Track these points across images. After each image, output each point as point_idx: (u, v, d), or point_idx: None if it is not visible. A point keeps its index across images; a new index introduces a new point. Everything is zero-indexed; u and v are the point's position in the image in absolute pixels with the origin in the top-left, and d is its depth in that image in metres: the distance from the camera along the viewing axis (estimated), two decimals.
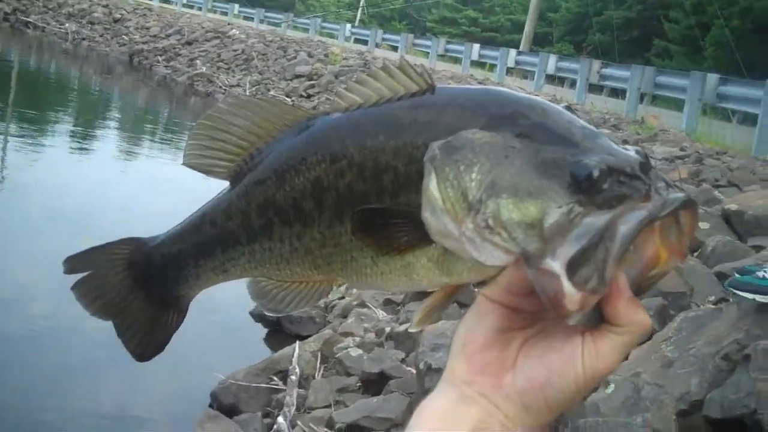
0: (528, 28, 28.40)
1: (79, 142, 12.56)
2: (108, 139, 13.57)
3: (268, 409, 4.36)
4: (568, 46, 36.17)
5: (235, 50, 22.92)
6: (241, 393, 4.47)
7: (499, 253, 0.75)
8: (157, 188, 9.70)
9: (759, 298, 2.94)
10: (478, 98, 0.83)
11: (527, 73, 20.64)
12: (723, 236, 4.45)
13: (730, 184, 6.92)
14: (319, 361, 4.66)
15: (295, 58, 20.79)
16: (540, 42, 34.40)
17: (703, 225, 4.87)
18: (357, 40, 29.12)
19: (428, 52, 23.63)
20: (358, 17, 45.75)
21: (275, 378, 4.57)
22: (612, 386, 2.95)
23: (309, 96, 17.34)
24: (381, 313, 5.29)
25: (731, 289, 3.07)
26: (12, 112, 13.74)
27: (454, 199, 0.76)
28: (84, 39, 28.25)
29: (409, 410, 3.58)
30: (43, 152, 10.96)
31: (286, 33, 28.45)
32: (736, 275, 3.14)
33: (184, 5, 37.40)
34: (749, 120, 13.71)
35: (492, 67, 20.89)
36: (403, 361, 4.31)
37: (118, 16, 30.05)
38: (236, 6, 36.79)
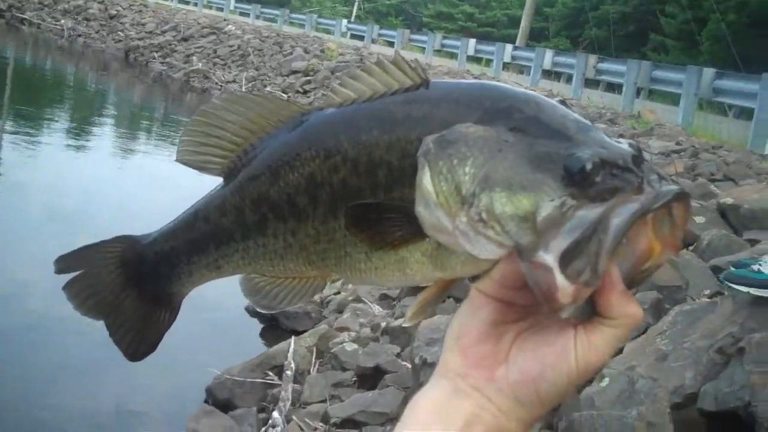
0: (524, 23, 28.41)
1: (75, 139, 12.54)
2: (104, 136, 13.56)
3: (264, 404, 4.37)
4: (564, 41, 36.18)
5: (231, 46, 22.90)
6: (236, 388, 4.47)
7: (493, 247, 0.75)
8: (154, 185, 9.71)
9: (754, 291, 2.94)
10: (472, 92, 0.83)
11: (524, 68, 20.65)
12: (719, 230, 4.45)
13: (726, 178, 6.93)
14: (314, 356, 4.67)
15: (291, 53, 20.78)
16: (536, 37, 34.39)
17: (699, 219, 4.87)
18: (353, 36, 29.12)
19: (424, 48, 23.65)
20: (354, 13, 45.72)
21: (270, 373, 4.57)
22: (607, 380, 2.95)
23: (305, 92, 17.33)
24: (376, 308, 5.29)
25: (726, 282, 3.07)
26: (8, 109, 13.71)
27: (447, 193, 0.76)
28: (79, 35, 28.21)
29: (405, 405, 3.58)
30: (38, 149, 10.95)
31: (282, 29, 28.43)
32: (732, 268, 3.14)
33: (179, 1, 37.34)
34: (745, 114, 13.73)
35: (488, 62, 20.91)
36: (398, 355, 4.31)
37: (114, 12, 29.99)
38: (232, 2, 36.76)
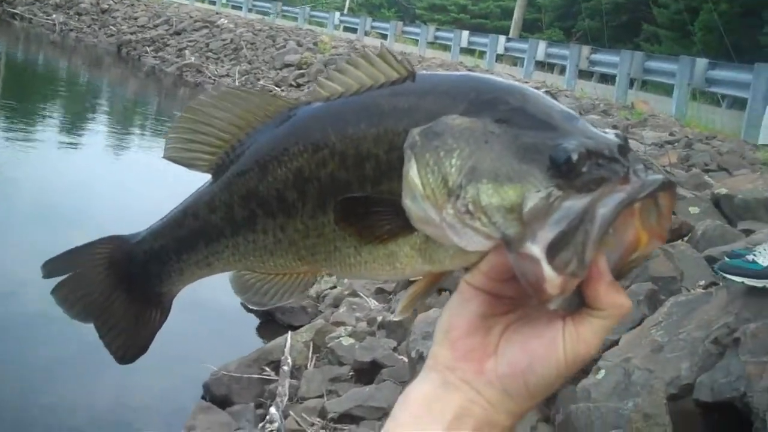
0: (517, 15, 28.41)
1: (67, 135, 12.50)
2: (97, 131, 13.51)
3: (261, 399, 4.37)
4: (557, 32, 36.14)
5: (223, 40, 22.82)
6: (233, 384, 4.47)
7: (480, 239, 0.75)
8: (147, 180, 9.67)
9: (748, 281, 2.95)
10: (458, 84, 0.82)
11: (517, 60, 20.62)
12: (713, 220, 4.46)
13: (719, 168, 6.94)
14: (311, 351, 4.67)
15: (284, 47, 20.72)
16: (529, 28, 34.36)
17: (693, 209, 4.88)
18: (346, 29, 29.03)
19: (417, 40, 23.57)
20: (347, 5, 45.60)
21: (267, 369, 4.57)
22: (603, 372, 2.97)
23: (299, 85, 17.29)
24: (373, 303, 5.29)
25: (720, 272, 3.08)
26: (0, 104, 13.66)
27: (434, 185, 0.76)
28: (71, 30, 28.09)
29: None
30: (30, 145, 10.90)
31: (274, 22, 28.34)
32: (726, 259, 3.15)
33: None
34: (738, 104, 13.76)
35: (482, 54, 20.86)
36: (395, 349, 4.32)
37: (106, 6, 29.83)
38: None
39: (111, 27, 27.35)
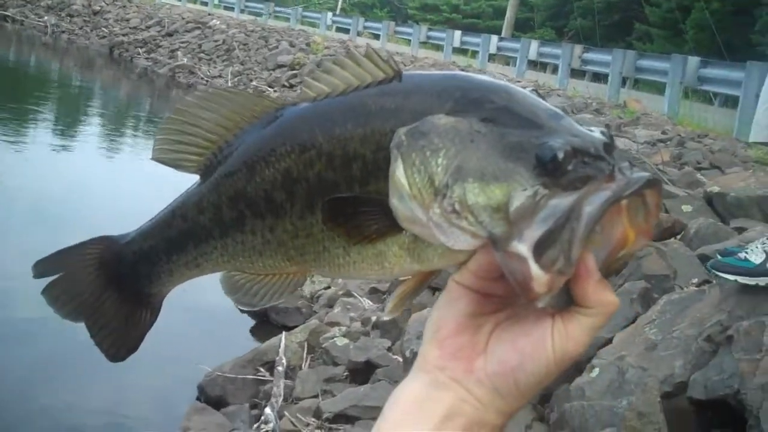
0: (509, 14, 28.46)
1: (59, 136, 12.47)
2: (89, 133, 13.48)
3: (256, 400, 4.37)
4: (549, 31, 36.18)
5: (216, 41, 22.78)
6: (228, 385, 4.47)
7: (467, 238, 0.75)
8: (140, 182, 9.64)
9: (741, 279, 2.96)
10: (444, 83, 0.83)
11: (509, 59, 20.65)
12: (706, 218, 4.47)
13: (712, 166, 6.97)
14: (305, 351, 4.67)
15: (276, 47, 20.69)
16: (522, 28, 34.40)
17: (686, 208, 4.90)
18: (339, 29, 29.03)
19: (410, 40, 23.59)
20: (339, 6, 45.58)
21: (262, 369, 4.57)
22: (597, 370, 2.97)
23: (291, 86, 17.27)
24: (367, 302, 5.29)
25: (713, 270, 3.08)
26: None
27: (420, 184, 0.76)
28: (63, 32, 27.99)
29: None
30: (22, 147, 10.87)
31: (267, 22, 28.30)
32: (719, 257, 3.16)
33: None
34: (731, 102, 13.80)
35: (474, 53, 20.89)
36: (389, 349, 4.32)
37: (98, 8, 29.75)
38: None
39: (103, 29, 27.27)
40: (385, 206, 0.79)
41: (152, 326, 1.02)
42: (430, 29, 25.15)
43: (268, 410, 4.00)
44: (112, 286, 1.00)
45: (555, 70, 17.59)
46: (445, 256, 0.80)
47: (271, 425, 3.88)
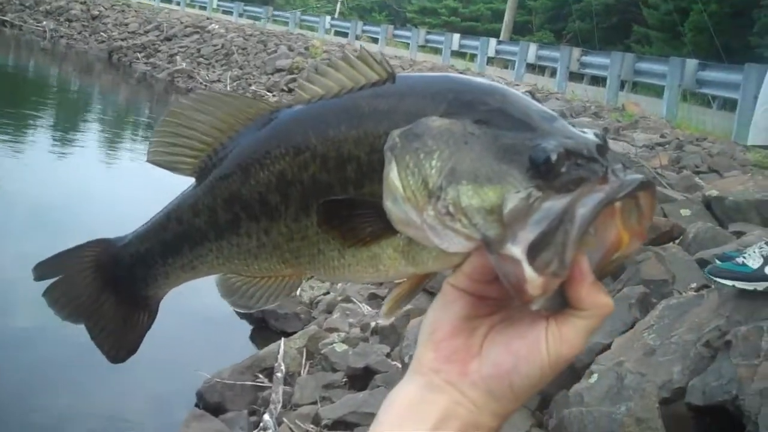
0: (508, 17, 28.48)
1: (58, 141, 12.47)
2: (88, 138, 13.48)
3: (254, 407, 4.36)
4: (548, 34, 36.20)
5: (214, 45, 22.79)
6: (226, 391, 4.46)
7: (461, 240, 0.75)
8: (138, 186, 9.63)
9: (739, 284, 2.95)
10: (437, 85, 0.83)
11: (508, 63, 20.69)
12: (704, 223, 4.46)
13: (710, 170, 6.97)
14: (304, 357, 4.66)
15: (275, 51, 20.71)
16: (520, 31, 34.42)
17: (685, 212, 4.89)
18: (337, 33, 29.07)
19: (408, 43, 23.60)
20: (337, 9, 45.62)
21: (261, 375, 4.56)
22: (595, 376, 2.97)
23: (290, 90, 17.25)
24: (366, 308, 5.29)
25: (710, 276, 3.08)
26: None
27: (414, 186, 0.76)
28: (62, 37, 28.02)
29: None
30: (21, 152, 10.87)
31: (265, 27, 28.32)
32: (717, 262, 3.16)
33: (162, 0, 37.14)
34: (729, 105, 13.81)
35: (473, 57, 20.90)
36: (388, 355, 4.31)
37: (96, 12, 29.78)
38: (215, 0, 36.58)
39: (102, 33, 27.29)
40: (380, 209, 0.79)
41: (150, 328, 1.03)
42: (428, 32, 25.16)
43: (266, 417, 3.99)
44: (110, 289, 1.01)
45: (553, 73, 17.62)
46: (439, 258, 0.80)
47: None
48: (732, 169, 6.80)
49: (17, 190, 8.73)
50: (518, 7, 30.71)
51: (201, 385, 4.58)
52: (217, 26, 25.28)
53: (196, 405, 4.49)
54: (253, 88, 17.86)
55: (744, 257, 3.01)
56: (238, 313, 5.70)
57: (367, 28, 28.55)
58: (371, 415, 3.84)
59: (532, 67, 19.08)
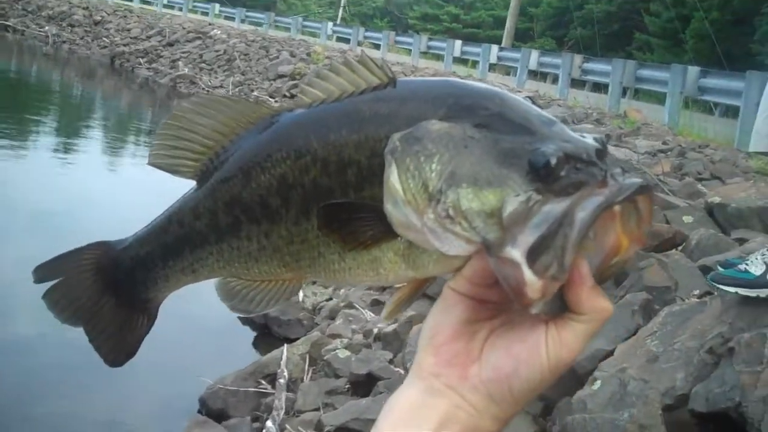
0: (509, 24, 28.51)
1: (60, 146, 12.48)
2: (91, 143, 13.49)
3: (257, 413, 4.35)
4: (549, 41, 36.27)
5: (217, 51, 22.83)
6: (229, 398, 4.46)
7: (461, 243, 0.76)
8: (141, 190, 9.65)
9: (742, 291, 2.96)
10: (437, 90, 0.83)
11: (510, 69, 20.68)
12: (707, 229, 4.47)
13: (713, 177, 6.98)
14: (307, 363, 4.66)
15: (277, 57, 20.74)
16: (522, 37, 34.48)
17: (687, 219, 4.90)
18: (339, 39, 29.10)
19: (410, 50, 23.64)
20: (339, 15, 45.69)
21: (263, 382, 4.56)
22: (599, 382, 2.97)
23: (292, 96, 17.26)
24: (369, 314, 5.29)
25: (713, 283, 3.09)
26: None
27: (414, 190, 0.77)
28: (64, 42, 28.07)
29: None
30: (24, 157, 10.89)
31: (267, 32, 28.37)
32: (719, 268, 3.16)
33: (164, 6, 37.22)
34: (731, 112, 13.81)
35: (474, 63, 20.93)
36: (391, 361, 4.31)
37: (99, 18, 29.85)
38: (217, 6, 36.67)
39: (104, 38, 27.34)
40: (380, 212, 0.79)
41: (149, 332, 1.03)
42: (430, 39, 25.21)
43: (269, 423, 3.99)
44: (109, 292, 1.01)
45: (555, 80, 17.62)
46: (439, 262, 0.81)
47: None
48: (734, 176, 6.80)
49: (19, 194, 8.74)
50: (520, 14, 30.75)
51: (204, 391, 4.57)
52: (219, 32, 25.33)
53: (199, 411, 4.48)
54: (255, 93, 17.89)
55: (746, 264, 3.02)
56: (241, 319, 5.70)
57: (369, 34, 28.58)
58: (374, 422, 3.84)
59: (533, 74, 19.09)
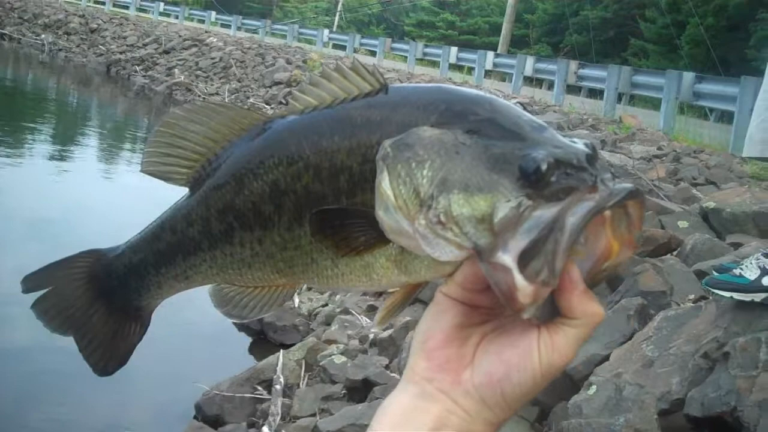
0: (505, 31, 28.52)
1: (56, 154, 12.47)
2: (86, 151, 13.47)
3: (253, 419, 4.35)
4: (545, 47, 36.34)
5: (212, 58, 22.84)
6: (225, 404, 4.45)
7: (452, 249, 0.76)
8: (136, 198, 9.64)
9: (736, 295, 2.96)
10: (429, 96, 0.84)
11: (505, 76, 20.73)
12: (701, 234, 4.48)
13: (707, 182, 6.99)
14: (303, 369, 4.66)
15: (273, 64, 20.75)
16: (517, 44, 34.53)
17: (682, 223, 4.90)
18: (335, 46, 29.16)
19: (406, 56, 23.68)
20: (335, 22, 45.77)
21: (260, 387, 4.56)
22: (594, 387, 2.97)
23: (288, 103, 17.27)
24: (364, 320, 5.28)
25: (708, 287, 3.09)
26: None
27: (406, 196, 0.77)
28: (60, 50, 28.08)
29: None
30: (19, 165, 10.87)
31: (263, 40, 28.40)
32: (714, 273, 3.16)
33: (160, 14, 37.26)
34: (726, 117, 13.85)
35: (470, 69, 20.98)
36: (386, 367, 4.31)
37: (95, 26, 29.87)
38: (213, 13, 36.72)
39: (100, 46, 27.35)
40: (372, 218, 0.80)
41: (141, 340, 1.03)
42: (426, 46, 25.28)
43: (265, 429, 3.99)
44: (101, 300, 1.00)
45: (551, 86, 17.68)
46: (431, 267, 0.81)
47: None
48: (729, 181, 6.82)
49: (15, 201, 8.73)
50: (516, 21, 30.78)
51: (200, 397, 4.56)
52: (215, 39, 25.35)
53: (195, 417, 4.48)
54: (251, 100, 17.89)
55: (741, 268, 3.02)
56: (237, 325, 5.69)
57: (365, 41, 28.63)
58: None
59: (529, 80, 19.14)
